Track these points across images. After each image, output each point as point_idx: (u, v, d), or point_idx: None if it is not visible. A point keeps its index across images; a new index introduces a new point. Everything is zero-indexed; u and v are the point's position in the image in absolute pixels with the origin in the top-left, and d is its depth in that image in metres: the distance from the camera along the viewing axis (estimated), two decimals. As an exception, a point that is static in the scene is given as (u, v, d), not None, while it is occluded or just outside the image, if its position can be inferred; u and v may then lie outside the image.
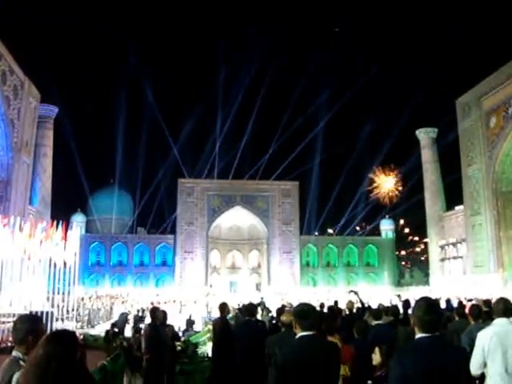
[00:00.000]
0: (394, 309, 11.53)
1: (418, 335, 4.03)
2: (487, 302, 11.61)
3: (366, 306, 16.02)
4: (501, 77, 45.51)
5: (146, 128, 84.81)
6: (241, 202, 66.50)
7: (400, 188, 69.61)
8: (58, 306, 20.52)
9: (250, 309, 9.09)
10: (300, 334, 4.68)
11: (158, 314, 10.49)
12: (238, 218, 68.80)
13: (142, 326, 15.23)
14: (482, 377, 5.57)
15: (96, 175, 66.94)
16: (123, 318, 23.57)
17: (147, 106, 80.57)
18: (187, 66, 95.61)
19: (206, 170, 66.04)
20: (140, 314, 26.54)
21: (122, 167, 73.67)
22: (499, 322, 5.71)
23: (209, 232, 66.29)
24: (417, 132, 61.98)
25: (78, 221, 63.01)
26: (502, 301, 6.11)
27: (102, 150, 72.51)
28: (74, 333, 3.51)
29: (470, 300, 24.32)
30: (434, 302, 4.36)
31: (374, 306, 14.54)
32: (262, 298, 32.25)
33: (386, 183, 69.89)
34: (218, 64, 72.98)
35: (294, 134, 68.81)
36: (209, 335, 16.06)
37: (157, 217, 71.00)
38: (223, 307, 10.03)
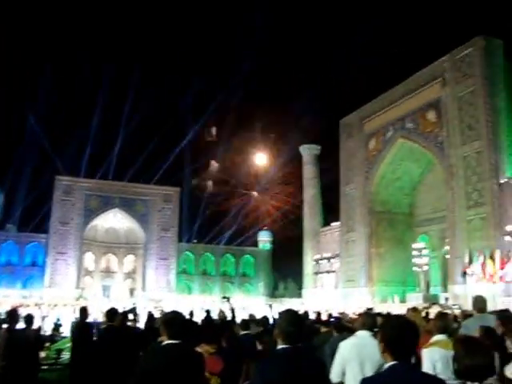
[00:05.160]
0: (263, 319, 11.70)
1: (280, 346, 4.11)
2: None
3: (237, 316, 16.02)
4: (381, 103, 47.98)
5: (22, 121, 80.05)
6: (119, 205, 64.72)
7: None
8: None
9: (110, 315, 8.72)
10: (166, 341, 4.67)
11: (16, 317, 9.67)
12: (115, 221, 66.81)
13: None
14: None
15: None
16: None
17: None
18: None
19: (82, 168, 63.37)
20: (2, 317, 24.42)
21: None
22: (360, 335, 5.92)
23: (84, 233, 63.64)
24: (300, 148, 63.13)
25: None
26: (366, 315, 6.58)
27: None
28: None
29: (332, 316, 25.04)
30: (297, 315, 4.44)
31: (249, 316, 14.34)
32: (133, 304, 31.29)
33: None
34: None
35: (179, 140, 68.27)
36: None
37: (29, 214, 66.88)
38: (83, 311, 9.63)
